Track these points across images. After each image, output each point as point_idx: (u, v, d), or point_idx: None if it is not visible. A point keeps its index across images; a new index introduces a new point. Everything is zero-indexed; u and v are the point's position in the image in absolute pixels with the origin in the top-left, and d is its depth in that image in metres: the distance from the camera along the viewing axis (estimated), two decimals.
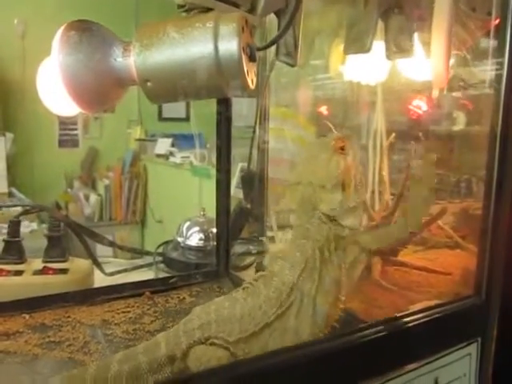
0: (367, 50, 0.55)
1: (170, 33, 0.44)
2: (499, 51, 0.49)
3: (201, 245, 0.95)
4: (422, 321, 0.45)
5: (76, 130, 3.35)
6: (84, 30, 0.47)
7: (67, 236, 0.80)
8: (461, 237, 0.90)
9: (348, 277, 0.48)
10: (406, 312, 0.45)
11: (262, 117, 0.95)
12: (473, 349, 0.46)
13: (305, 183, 0.50)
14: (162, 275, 0.90)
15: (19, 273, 0.73)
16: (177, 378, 0.42)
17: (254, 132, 0.95)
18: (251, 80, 0.46)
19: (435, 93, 0.55)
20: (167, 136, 3.33)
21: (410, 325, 0.44)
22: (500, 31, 0.50)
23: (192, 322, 0.49)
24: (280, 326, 0.46)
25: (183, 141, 3.18)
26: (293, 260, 0.48)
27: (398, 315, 0.44)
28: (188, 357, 0.47)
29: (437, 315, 0.46)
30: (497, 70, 0.48)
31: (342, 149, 0.50)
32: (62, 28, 0.47)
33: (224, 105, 0.76)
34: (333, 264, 0.48)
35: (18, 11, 2.90)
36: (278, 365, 0.39)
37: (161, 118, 3.65)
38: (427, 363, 0.44)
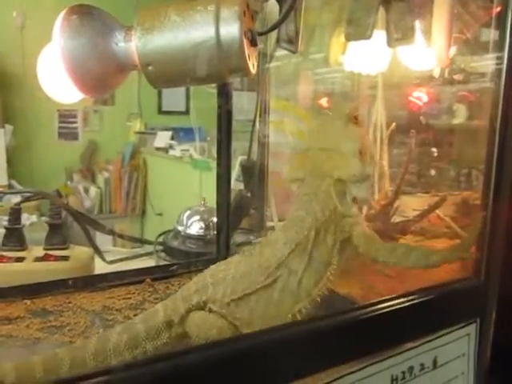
0: (368, 37, 0.55)
1: (172, 16, 0.44)
2: (499, 41, 0.49)
3: (201, 234, 0.95)
4: (421, 300, 0.45)
5: (76, 122, 3.35)
6: (85, 14, 0.47)
7: (68, 223, 0.80)
8: (460, 227, 0.90)
9: (339, 258, 0.47)
10: (407, 292, 0.45)
11: (263, 110, 0.95)
12: (472, 329, 0.47)
13: (318, 149, 0.49)
14: (162, 264, 0.91)
15: (20, 259, 0.73)
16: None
17: (254, 125, 0.95)
18: (252, 64, 0.46)
19: (437, 71, 0.55)
20: (167, 129, 3.33)
21: (411, 304, 0.45)
22: (501, 20, 0.49)
23: (189, 288, 0.50)
24: (265, 296, 0.47)
25: (183, 134, 3.18)
26: (288, 236, 0.48)
27: (399, 294, 0.45)
28: (186, 322, 0.48)
29: (436, 295, 0.47)
30: (497, 63, 0.47)
31: (356, 119, 0.49)
32: (63, 12, 0.47)
33: (224, 98, 0.76)
34: (326, 245, 0.47)
35: (16, 3, 2.89)
36: (279, 338, 0.39)
37: (160, 111, 3.65)
38: (426, 342, 0.45)
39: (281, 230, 0.50)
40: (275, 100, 1.03)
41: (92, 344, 0.46)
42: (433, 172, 1.27)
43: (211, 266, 0.52)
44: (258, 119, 0.96)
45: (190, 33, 0.43)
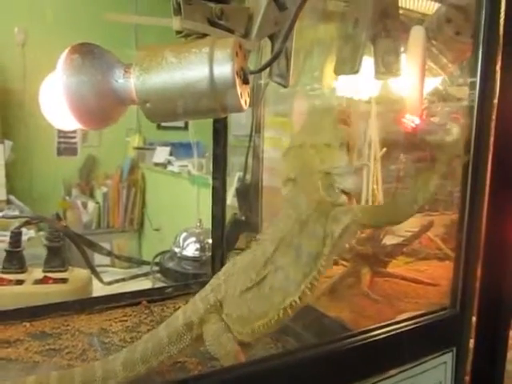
0: (356, 72, 0.58)
1: (168, 57, 0.47)
2: (471, 71, 0.51)
3: (197, 255, 0.97)
4: (400, 330, 0.47)
5: (75, 138, 3.37)
6: (87, 52, 0.50)
7: (66, 246, 0.82)
8: (451, 248, 0.92)
9: (334, 247, 0.48)
10: (386, 322, 0.47)
11: (259, 126, 0.97)
12: (448, 357, 0.49)
13: (308, 145, 0.50)
14: (158, 285, 0.92)
15: (20, 282, 0.75)
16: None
17: (250, 141, 0.97)
18: (244, 101, 0.49)
19: (412, 120, 0.58)
20: (166, 144, 3.35)
21: (389, 334, 0.46)
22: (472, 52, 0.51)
23: (205, 289, 0.53)
24: (257, 292, 0.49)
25: (181, 149, 3.20)
26: (274, 233, 0.50)
27: (378, 325, 0.47)
28: (204, 325, 0.50)
29: (414, 325, 0.49)
30: (470, 90, 0.50)
31: (345, 123, 0.51)
32: (67, 51, 0.49)
33: None
34: (316, 236, 0.48)
35: (18, 20, 2.93)
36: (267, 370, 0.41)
37: (159, 127, 3.66)
38: (404, 370, 0.46)
39: (270, 229, 0.51)
40: (272, 117, 1.05)
41: (122, 355, 0.49)
42: None
43: (227, 263, 0.54)
44: (253, 135, 0.97)
45: (186, 73, 0.46)
